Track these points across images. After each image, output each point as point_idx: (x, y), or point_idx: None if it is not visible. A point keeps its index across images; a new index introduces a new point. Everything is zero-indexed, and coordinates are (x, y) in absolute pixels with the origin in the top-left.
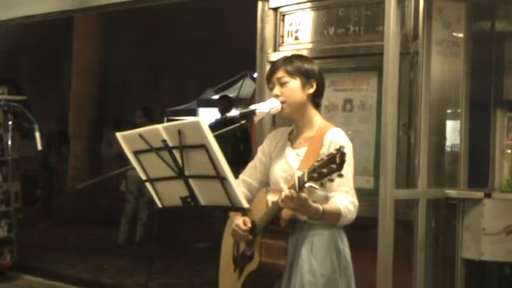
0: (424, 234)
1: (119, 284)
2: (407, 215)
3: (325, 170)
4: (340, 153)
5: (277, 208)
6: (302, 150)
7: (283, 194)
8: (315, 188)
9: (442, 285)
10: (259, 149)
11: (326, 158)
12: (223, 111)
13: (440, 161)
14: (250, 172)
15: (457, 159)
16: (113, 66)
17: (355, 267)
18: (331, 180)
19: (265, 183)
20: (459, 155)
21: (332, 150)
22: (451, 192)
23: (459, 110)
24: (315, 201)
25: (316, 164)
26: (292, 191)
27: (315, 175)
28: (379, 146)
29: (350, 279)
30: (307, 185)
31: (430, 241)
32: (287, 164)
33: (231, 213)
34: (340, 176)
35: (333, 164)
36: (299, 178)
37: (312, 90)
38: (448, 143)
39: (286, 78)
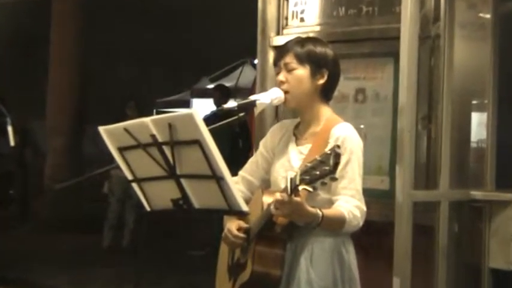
0: (446, 241)
1: None
2: (427, 219)
3: (317, 172)
4: (335, 153)
5: (269, 214)
6: (305, 148)
7: (274, 199)
8: (309, 190)
9: None
10: (262, 143)
11: (319, 159)
12: (219, 102)
13: (465, 158)
14: (251, 169)
15: (483, 157)
16: (96, 53)
17: (368, 279)
18: (324, 184)
19: (268, 182)
20: (485, 152)
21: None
22: (477, 194)
23: (486, 102)
24: (313, 206)
25: (309, 164)
26: (284, 194)
27: (307, 177)
28: (395, 142)
29: None
30: (300, 187)
31: (452, 248)
32: (288, 162)
33: (225, 217)
34: (333, 179)
35: (326, 165)
36: (291, 180)
37: (321, 82)
38: (473, 138)
39: (295, 65)
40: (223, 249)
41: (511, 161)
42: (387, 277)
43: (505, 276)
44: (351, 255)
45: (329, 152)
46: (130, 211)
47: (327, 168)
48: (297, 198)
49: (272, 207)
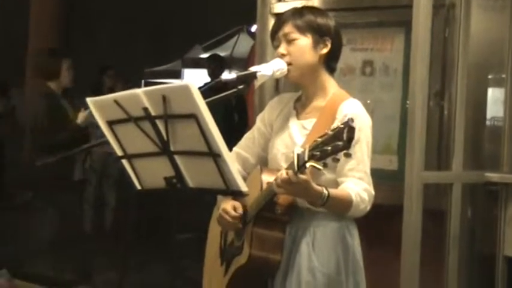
0: (458, 227)
1: (86, 282)
2: (439, 202)
3: (328, 148)
4: (348, 127)
5: (272, 192)
6: (309, 122)
7: (278, 178)
8: (318, 168)
9: (479, 287)
10: (259, 118)
11: (331, 133)
12: (213, 73)
13: (480, 138)
14: (247, 145)
15: (500, 136)
16: (77, 18)
17: (375, 265)
18: (336, 160)
19: (265, 159)
20: (502, 131)
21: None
22: (492, 176)
23: (503, 76)
24: (319, 185)
25: (319, 139)
26: (290, 172)
27: (317, 153)
28: (405, 119)
29: (360, 282)
30: (308, 164)
31: (465, 235)
32: (290, 138)
33: (219, 197)
34: (348, 155)
35: (338, 140)
36: (298, 156)
37: (325, 51)
38: (489, 116)
39: (295, 35)
40: (214, 231)
41: None
42: (395, 264)
43: None
44: (355, 240)
45: (342, 125)
46: (110, 190)
47: (340, 143)
48: (304, 176)
49: (274, 184)
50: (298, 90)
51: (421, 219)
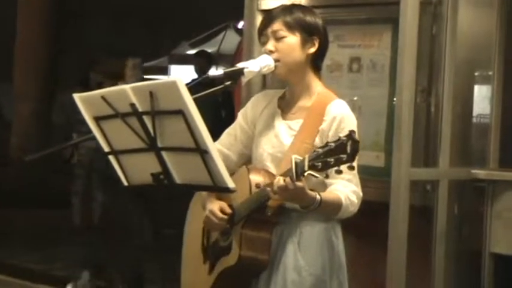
0: (445, 223)
1: (75, 277)
2: (426, 199)
3: (331, 160)
4: (352, 140)
5: (266, 197)
6: (296, 123)
7: (275, 185)
8: (316, 177)
9: (465, 284)
10: (241, 114)
11: (333, 145)
12: (200, 69)
13: (466, 134)
14: (229, 141)
15: (487, 133)
16: (67, 11)
17: (361, 263)
18: (339, 172)
19: (246, 157)
20: (489, 128)
21: (335, 128)
22: (479, 173)
23: (490, 73)
24: (311, 189)
25: (320, 150)
26: (288, 179)
27: (319, 164)
28: (393, 115)
29: (343, 282)
30: (306, 173)
31: (452, 231)
32: (276, 138)
33: (203, 194)
34: (351, 168)
35: (342, 153)
36: (297, 165)
37: (313, 50)
38: (476, 113)
39: (284, 32)
40: (195, 228)
41: None
42: (381, 261)
43: (508, 262)
44: (340, 241)
45: (345, 138)
46: (97, 185)
47: (343, 156)
48: (300, 184)
49: (270, 191)
50: (286, 87)
51: (407, 215)
